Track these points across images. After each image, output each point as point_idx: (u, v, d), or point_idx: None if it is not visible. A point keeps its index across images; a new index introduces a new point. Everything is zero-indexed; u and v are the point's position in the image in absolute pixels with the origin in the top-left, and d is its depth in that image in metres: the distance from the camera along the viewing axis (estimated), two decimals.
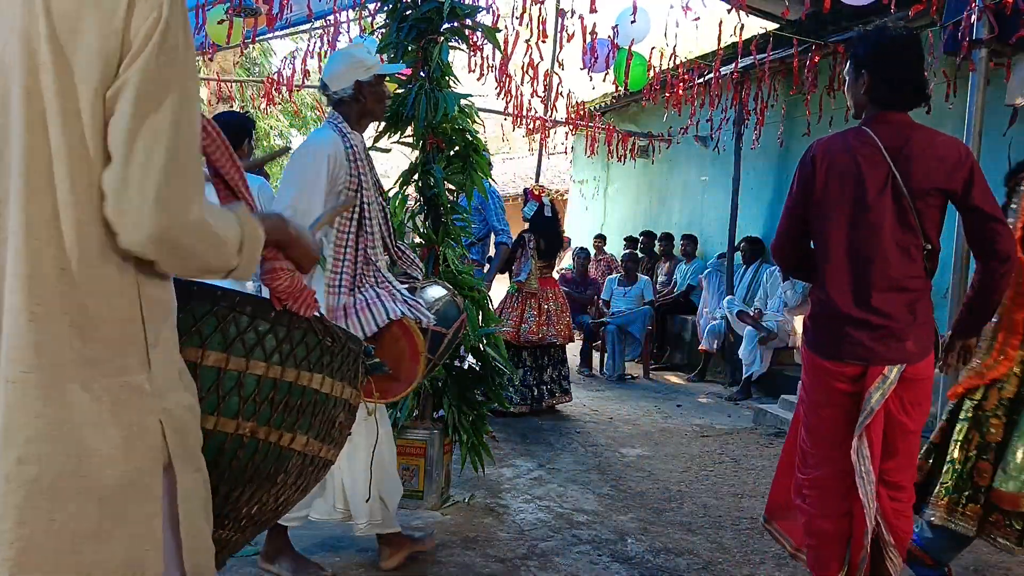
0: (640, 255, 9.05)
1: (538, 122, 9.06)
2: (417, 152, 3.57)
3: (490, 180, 3.98)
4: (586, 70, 7.10)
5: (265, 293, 1.32)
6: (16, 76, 0.95)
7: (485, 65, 6.93)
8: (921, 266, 2.27)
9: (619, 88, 7.58)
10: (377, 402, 2.58)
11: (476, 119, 3.67)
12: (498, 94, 7.86)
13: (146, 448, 1.02)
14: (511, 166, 18.18)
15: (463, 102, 3.49)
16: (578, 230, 12.60)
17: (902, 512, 2.36)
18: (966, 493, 2.64)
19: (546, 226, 5.92)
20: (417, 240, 3.64)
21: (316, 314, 1.33)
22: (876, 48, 2.31)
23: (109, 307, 1.00)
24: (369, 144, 3.72)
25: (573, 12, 6.97)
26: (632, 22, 6.33)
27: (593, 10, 5.95)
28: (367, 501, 2.69)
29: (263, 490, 1.31)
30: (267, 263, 1.26)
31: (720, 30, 6.33)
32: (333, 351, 1.35)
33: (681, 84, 7.46)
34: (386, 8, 3.58)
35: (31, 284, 0.95)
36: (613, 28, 6.76)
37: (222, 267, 1.08)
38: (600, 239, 10.33)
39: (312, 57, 7.80)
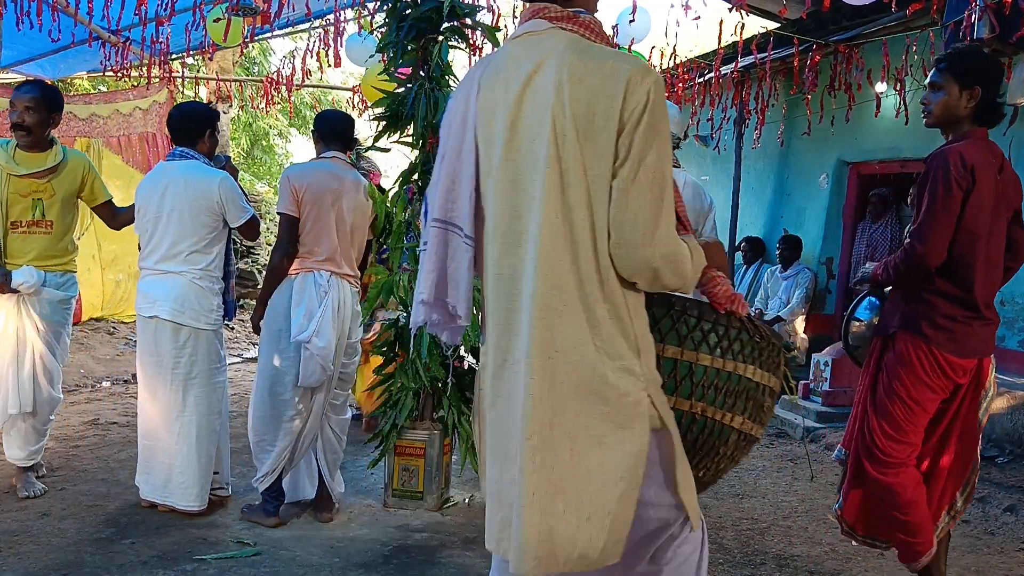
0: None
1: None
2: (417, 152, 3.56)
3: None
4: None
5: None
6: (543, 147, 1.35)
7: None
8: None
9: None
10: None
11: None
12: None
13: (637, 414, 1.38)
14: None
15: None
16: None
17: None
18: None
19: None
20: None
21: (746, 315, 1.60)
22: (993, 68, 2.56)
23: (608, 311, 1.37)
24: (368, 144, 3.72)
25: None
26: (631, 22, 6.31)
27: None
28: None
29: (708, 459, 1.60)
30: (705, 275, 1.55)
31: (720, 29, 6.32)
32: (761, 346, 1.61)
33: (681, 84, 7.45)
34: (386, 8, 3.56)
35: (558, 292, 1.36)
36: (613, 28, 6.75)
37: (677, 287, 1.43)
38: None
39: (312, 57, 7.78)
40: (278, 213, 3.27)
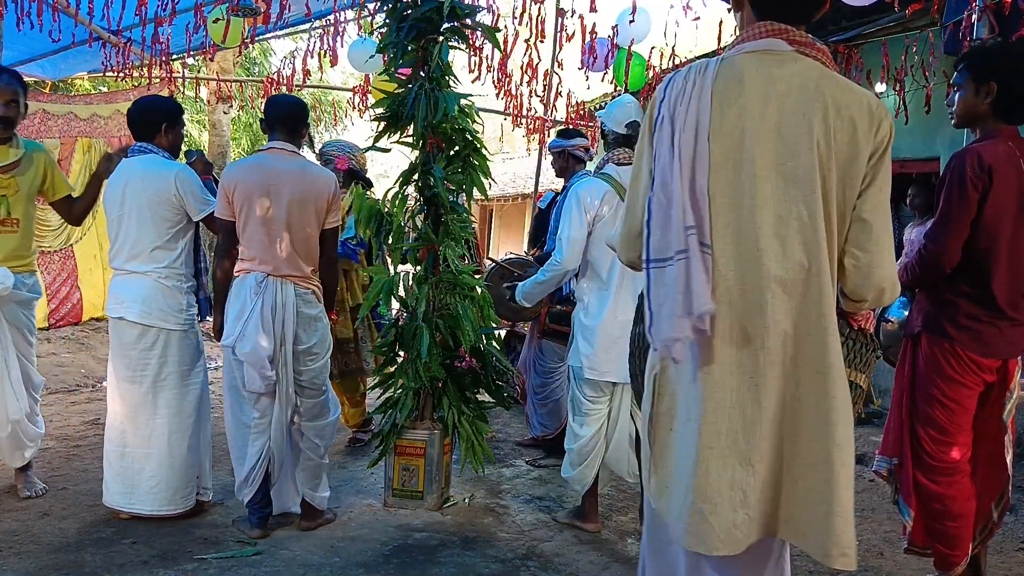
0: None
1: (538, 122, 9.05)
2: (417, 152, 3.57)
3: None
4: (584, 70, 7.10)
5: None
6: (808, 172, 1.46)
7: (484, 65, 6.93)
8: None
9: (618, 88, 7.57)
10: None
11: (476, 119, 3.66)
12: (497, 94, 7.84)
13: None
14: (511, 166, 18.16)
15: (463, 102, 3.48)
16: None
17: None
18: None
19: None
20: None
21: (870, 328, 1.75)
22: (1012, 62, 2.49)
23: (836, 328, 1.49)
24: (368, 144, 3.72)
25: (573, 12, 6.96)
26: (631, 22, 6.32)
27: (593, 10, 5.95)
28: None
29: None
30: None
31: (720, 30, 6.32)
32: (870, 358, 1.71)
33: None
34: (386, 8, 3.57)
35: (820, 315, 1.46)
36: (613, 28, 6.75)
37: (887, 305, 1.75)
38: None
39: (312, 57, 7.78)
40: (215, 217, 3.17)
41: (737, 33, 1.62)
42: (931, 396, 2.57)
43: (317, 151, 4.65)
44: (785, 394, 1.47)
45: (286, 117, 3.18)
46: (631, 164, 3.19)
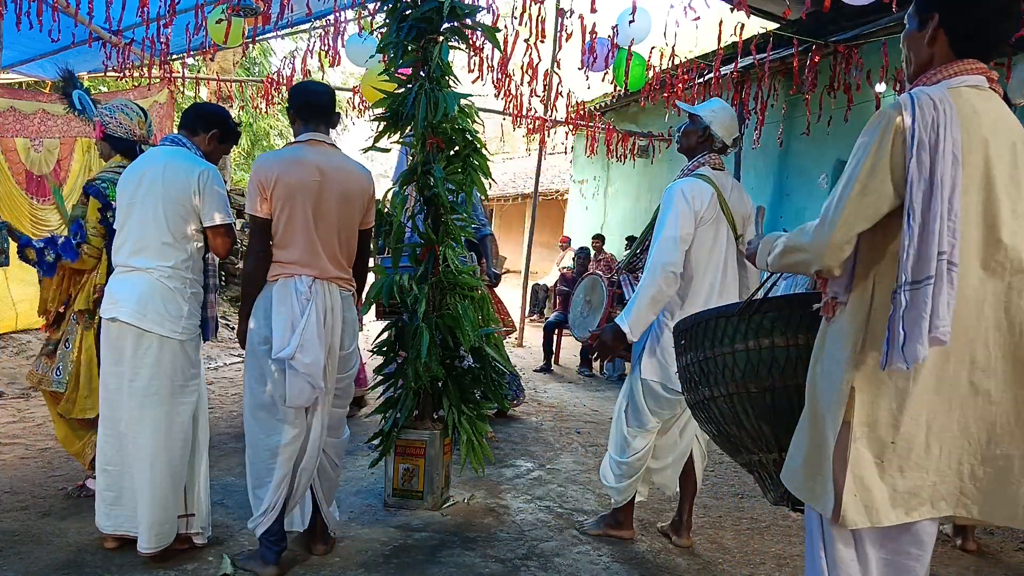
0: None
1: (538, 122, 9.05)
2: (417, 152, 3.57)
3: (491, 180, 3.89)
4: (584, 70, 7.11)
5: None
6: (1016, 193, 1.68)
7: (484, 65, 6.94)
8: None
9: (617, 88, 7.59)
10: None
11: (476, 119, 3.66)
12: (497, 94, 7.85)
13: None
14: (511, 166, 18.16)
15: (463, 102, 3.48)
16: (578, 230, 12.61)
17: None
18: None
19: None
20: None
21: None
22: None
23: None
24: (368, 144, 3.72)
25: (572, 12, 6.97)
26: (631, 22, 6.32)
27: (593, 10, 5.95)
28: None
29: None
30: None
31: (720, 30, 6.33)
32: None
33: (681, 84, 7.46)
34: (386, 8, 3.57)
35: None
36: (613, 28, 6.76)
37: None
38: (598, 239, 10.33)
39: (312, 57, 7.79)
40: (246, 214, 2.86)
41: (913, 62, 1.80)
42: None
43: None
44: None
45: (322, 105, 2.88)
46: (723, 170, 3.17)
